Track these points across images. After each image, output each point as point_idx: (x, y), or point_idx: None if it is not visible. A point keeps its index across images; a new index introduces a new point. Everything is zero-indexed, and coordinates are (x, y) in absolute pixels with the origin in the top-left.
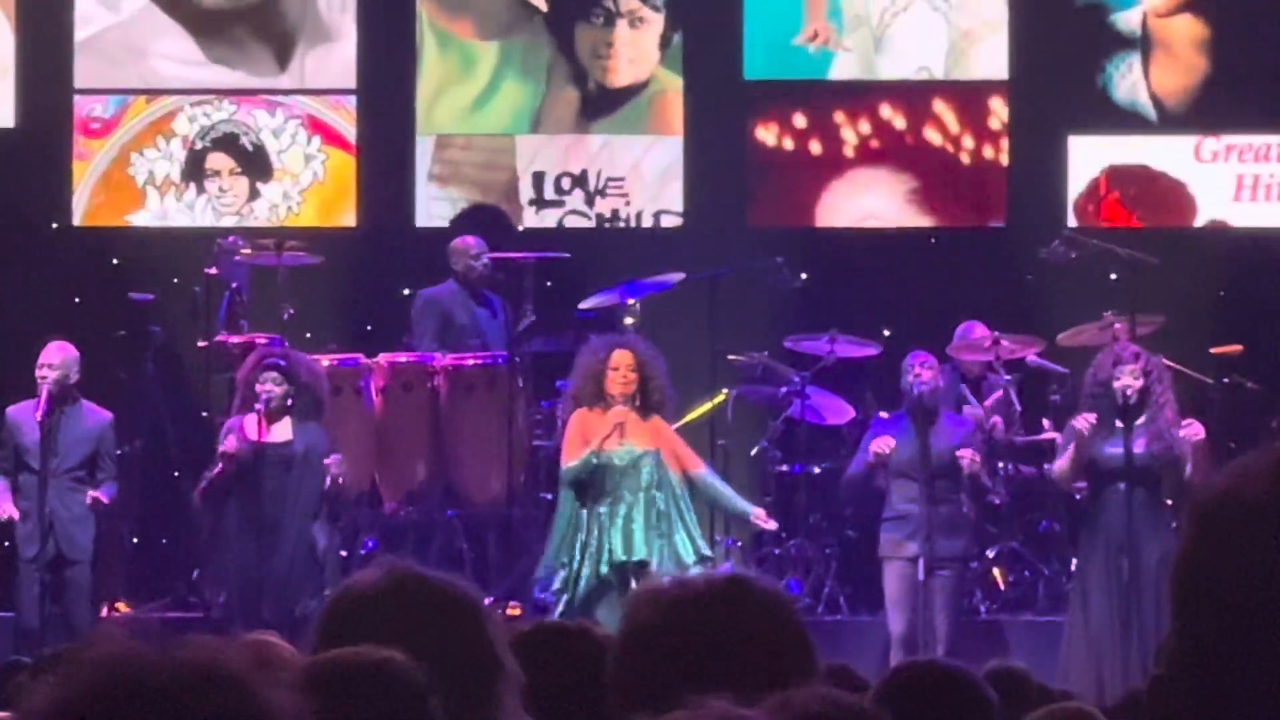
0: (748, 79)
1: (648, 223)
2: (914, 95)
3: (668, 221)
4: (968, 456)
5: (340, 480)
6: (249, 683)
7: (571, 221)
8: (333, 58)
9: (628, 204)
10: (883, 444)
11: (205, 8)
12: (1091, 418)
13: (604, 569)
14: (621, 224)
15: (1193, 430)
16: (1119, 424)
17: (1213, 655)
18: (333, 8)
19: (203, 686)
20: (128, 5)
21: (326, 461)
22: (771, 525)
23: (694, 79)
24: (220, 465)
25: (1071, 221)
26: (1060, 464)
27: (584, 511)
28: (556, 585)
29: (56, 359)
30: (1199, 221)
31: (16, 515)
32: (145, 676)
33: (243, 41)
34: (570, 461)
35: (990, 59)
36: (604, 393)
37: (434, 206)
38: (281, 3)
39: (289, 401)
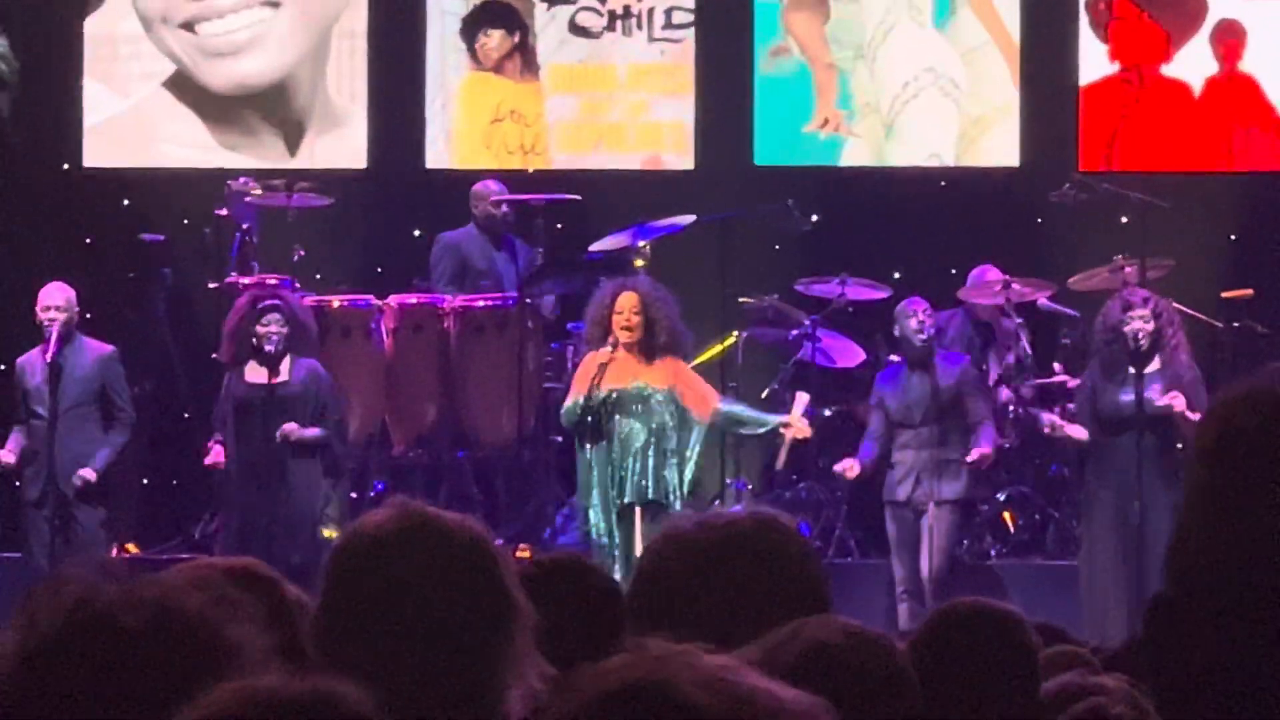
0: (758, 165)
1: (660, 20)
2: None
3: (679, 18)
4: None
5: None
6: (207, 620)
7: (583, 19)
8: (343, 144)
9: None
10: (845, 467)
11: (215, 93)
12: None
13: (608, 510)
14: (634, 20)
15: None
16: (1131, 370)
17: (1234, 574)
18: (343, 94)
19: (162, 625)
20: (137, 90)
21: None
22: (805, 432)
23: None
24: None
25: (1083, 20)
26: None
27: (590, 451)
28: (581, 525)
29: (61, 300)
30: (1210, 20)
31: (12, 460)
32: (107, 617)
33: (253, 127)
34: (566, 403)
35: (1001, 146)
36: (610, 335)
37: (445, 4)
38: (292, 89)
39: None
